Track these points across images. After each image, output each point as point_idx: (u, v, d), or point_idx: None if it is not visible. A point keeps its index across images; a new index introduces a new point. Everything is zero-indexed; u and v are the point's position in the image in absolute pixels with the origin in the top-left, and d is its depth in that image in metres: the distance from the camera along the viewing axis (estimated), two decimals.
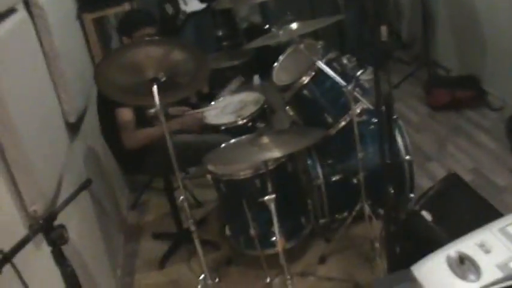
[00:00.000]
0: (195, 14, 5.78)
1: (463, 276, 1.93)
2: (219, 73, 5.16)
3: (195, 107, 4.16)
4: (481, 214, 2.91)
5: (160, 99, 2.73)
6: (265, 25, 5.83)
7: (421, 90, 5.66)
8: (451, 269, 1.98)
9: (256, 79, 5.64)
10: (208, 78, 5.40)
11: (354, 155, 3.28)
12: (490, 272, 1.91)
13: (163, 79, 2.78)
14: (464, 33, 5.53)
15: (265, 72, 4.06)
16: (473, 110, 5.17)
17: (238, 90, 4.47)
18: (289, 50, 3.76)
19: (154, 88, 2.73)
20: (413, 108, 5.48)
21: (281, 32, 3.27)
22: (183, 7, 5.73)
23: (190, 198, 4.47)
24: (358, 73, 3.36)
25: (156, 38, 3.46)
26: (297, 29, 3.31)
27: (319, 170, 3.54)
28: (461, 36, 5.63)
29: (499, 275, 1.89)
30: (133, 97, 3.00)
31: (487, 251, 1.98)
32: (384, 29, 2.36)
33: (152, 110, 2.78)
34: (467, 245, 2.04)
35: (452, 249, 2.05)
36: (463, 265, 1.97)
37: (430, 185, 3.53)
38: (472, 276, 1.91)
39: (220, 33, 6.10)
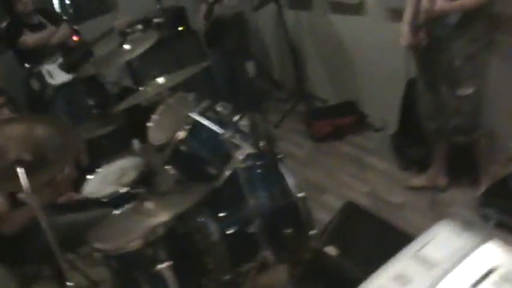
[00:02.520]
0: (64, 85, 5.51)
1: None
2: (95, 142, 4.92)
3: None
4: (385, 237, 2.85)
5: (29, 181, 2.49)
6: (138, 86, 5.67)
7: (302, 124, 5.64)
8: None
9: (136, 143, 5.43)
10: (86, 149, 5.15)
11: (246, 203, 3.15)
12: None
13: (29, 159, 2.55)
14: (335, 62, 5.60)
15: (143, 135, 3.90)
16: (356, 135, 5.20)
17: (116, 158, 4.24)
18: (161, 108, 3.60)
19: (20, 170, 2.50)
20: (298, 143, 5.44)
21: (148, 89, 3.12)
22: (49, 80, 5.46)
23: (83, 280, 4.16)
24: (235, 118, 3.26)
25: (14, 115, 3.22)
26: (163, 83, 3.16)
27: (213, 226, 3.35)
28: (332, 66, 5.69)
29: None
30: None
31: (406, 282, 1.83)
32: (250, 65, 2.24)
33: (22, 195, 2.54)
34: (383, 280, 1.88)
35: (369, 287, 1.89)
36: None
37: (330, 218, 3.46)
38: None
39: (91, 102, 5.86)
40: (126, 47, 3.84)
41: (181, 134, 3.21)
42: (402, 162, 4.45)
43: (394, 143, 4.62)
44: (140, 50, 3.71)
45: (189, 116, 3.20)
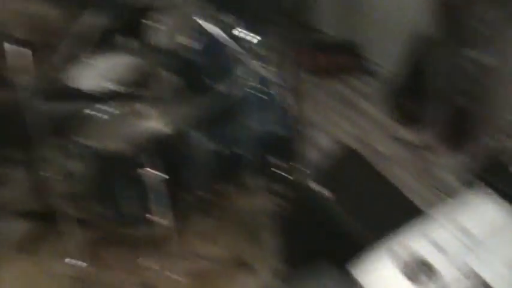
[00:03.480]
0: None
1: (421, 284, 1.64)
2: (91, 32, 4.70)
3: None
4: (380, 190, 2.78)
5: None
6: None
7: (297, 53, 5.47)
8: (404, 273, 1.67)
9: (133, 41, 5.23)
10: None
11: (240, 124, 3.04)
12: (452, 277, 1.64)
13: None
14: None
15: (139, 32, 3.71)
16: (354, 76, 5.08)
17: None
18: (172, 11, 3.42)
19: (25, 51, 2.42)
20: (289, 72, 5.29)
21: None
22: None
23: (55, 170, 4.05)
24: (245, 34, 3.13)
25: None
26: None
27: (201, 140, 3.24)
28: (343, 2, 5.51)
29: (465, 283, 1.63)
30: None
31: (443, 250, 1.70)
32: None
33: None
34: (417, 241, 1.74)
35: (398, 246, 1.74)
36: (418, 269, 1.67)
37: (314, 155, 3.39)
38: (432, 285, 1.63)
39: None
40: None
41: (186, 40, 3.07)
42: (396, 114, 4.37)
43: (392, 93, 4.52)
44: None
45: (197, 22, 3.04)
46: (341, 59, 5.13)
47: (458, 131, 3.95)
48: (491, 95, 3.63)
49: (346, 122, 4.43)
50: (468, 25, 3.36)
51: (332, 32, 5.70)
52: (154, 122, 2.61)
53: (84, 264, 2.78)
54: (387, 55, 4.81)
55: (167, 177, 3.12)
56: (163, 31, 3.38)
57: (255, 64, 3.14)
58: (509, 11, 3.32)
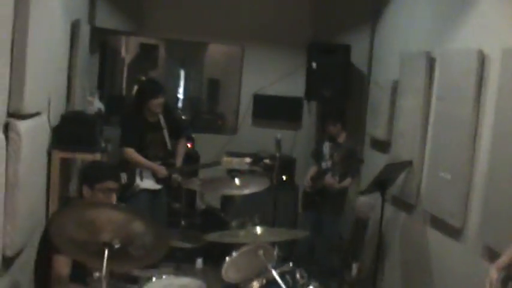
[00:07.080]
0: (148, 190, 5.47)
1: None
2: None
3: None
4: None
5: (107, 265, 2.69)
6: (223, 213, 6.12)
7: None
8: None
9: (199, 263, 5.50)
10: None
11: None
12: None
13: (117, 246, 2.75)
14: (413, 272, 5.56)
15: (211, 258, 3.91)
16: None
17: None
18: (244, 249, 3.68)
19: (106, 252, 2.69)
20: None
21: (242, 233, 3.25)
22: (137, 181, 5.42)
23: None
24: None
25: (121, 204, 3.38)
26: (260, 235, 3.28)
27: None
28: (410, 274, 5.65)
29: None
30: (79, 253, 2.92)
31: None
32: (355, 266, 2.35)
33: (97, 274, 2.72)
34: None
35: None
36: None
37: None
38: None
39: (177, 206, 5.99)
40: (237, 181, 4.06)
41: (255, 285, 3.29)
42: None
43: None
44: (249, 190, 3.91)
45: (269, 271, 3.27)
46: None
47: None
48: None
49: None
50: None
51: None
52: None
53: None
54: None
55: None
56: (237, 267, 3.60)
57: None
58: None
